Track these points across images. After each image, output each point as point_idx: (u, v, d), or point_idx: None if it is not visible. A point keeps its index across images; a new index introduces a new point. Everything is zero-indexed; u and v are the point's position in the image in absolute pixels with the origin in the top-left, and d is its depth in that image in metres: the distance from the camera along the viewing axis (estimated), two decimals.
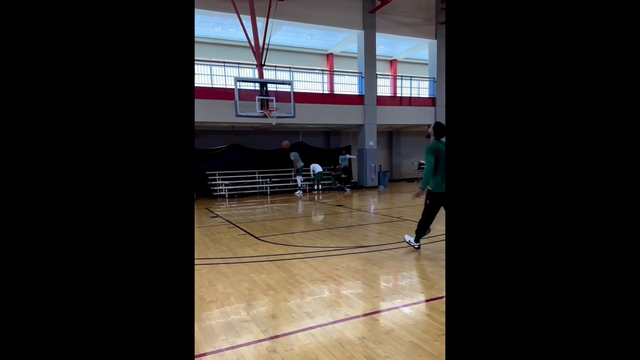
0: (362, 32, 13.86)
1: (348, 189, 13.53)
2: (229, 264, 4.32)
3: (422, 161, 16.92)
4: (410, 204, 9.46)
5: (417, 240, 4.69)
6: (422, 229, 4.60)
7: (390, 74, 18.04)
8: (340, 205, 9.52)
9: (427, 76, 16.31)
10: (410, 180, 17.34)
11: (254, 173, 13.53)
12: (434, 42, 15.47)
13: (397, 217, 7.24)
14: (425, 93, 16.41)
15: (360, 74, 14.27)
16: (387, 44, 16.10)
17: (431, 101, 15.82)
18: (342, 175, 13.93)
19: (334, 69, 14.81)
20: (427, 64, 17.89)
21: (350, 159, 14.23)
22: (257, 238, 5.70)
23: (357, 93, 14.46)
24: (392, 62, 18.47)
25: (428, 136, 4.52)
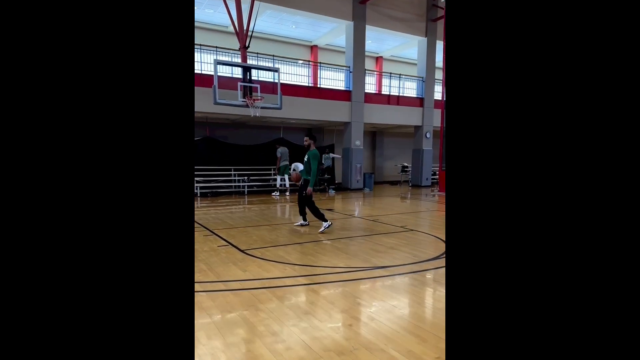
0: (351, 23, 12.93)
1: (332, 191, 12.55)
2: (210, 293, 3.20)
3: (406, 164, 16.24)
4: (408, 210, 8.60)
5: (325, 220, 5.89)
6: (320, 213, 5.91)
7: (376, 70, 17.25)
8: (329, 209, 8.51)
9: (415, 75, 15.62)
10: (394, 182, 16.61)
11: (230, 170, 12.27)
12: (424, 39, 14.77)
13: (401, 227, 6.33)
14: (411, 93, 15.71)
15: (348, 68, 13.34)
16: (375, 40, 15.27)
17: (419, 101, 15.13)
18: (326, 176, 12.93)
19: (320, 62, 13.78)
20: (413, 63, 17.23)
21: (334, 159, 13.27)
22: (242, 251, 4.59)
23: (343, 88, 13.52)
24: (378, 59, 17.68)
25: (308, 146, 5.92)
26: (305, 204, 6.03)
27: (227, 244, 5.02)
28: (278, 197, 11.24)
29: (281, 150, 11.27)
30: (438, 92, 15.69)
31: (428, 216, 7.71)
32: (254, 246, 4.88)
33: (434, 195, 11.90)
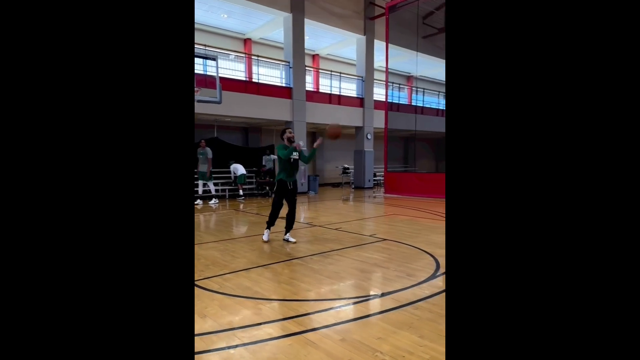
0: (289, 15, 12.09)
1: None
2: None
3: (347, 165, 15.82)
4: (366, 215, 7.98)
5: (269, 228, 5.45)
6: (273, 220, 5.39)
7: (314, 67, 16.59)
8: (282, 217, 7.54)
9: (354, 74, 15.26)
10: (335, 185, 16.09)
11: None
12: (363, 37, 14.48)
13: (371, 236, 5.64)
14: (349, 93, 15.32)
15: (288, 64, 12.45)
16: (311, 36, 14.58)
17: (359, 101, 14.78)
18: (269, 179, 11.90)
19: (258, 55, 12.67)
20: (350, 63, 16.92)
21: (274, 160, 12.28)
22: (195, 284, 3.48)
23: (283, 84, 12.60)
24: (315, 57, 17.06)
25: (292, 141, 5.20)
26: (279, 207, 5.37)
27: None
28: (217, 204, 9.95)
29: (209, 151, 9.79)
30: (377, 94, 15.48)
31: (389, 221, 7.15)
32: (207, 274, 3.78)
33: (374, 197, 11.54)
